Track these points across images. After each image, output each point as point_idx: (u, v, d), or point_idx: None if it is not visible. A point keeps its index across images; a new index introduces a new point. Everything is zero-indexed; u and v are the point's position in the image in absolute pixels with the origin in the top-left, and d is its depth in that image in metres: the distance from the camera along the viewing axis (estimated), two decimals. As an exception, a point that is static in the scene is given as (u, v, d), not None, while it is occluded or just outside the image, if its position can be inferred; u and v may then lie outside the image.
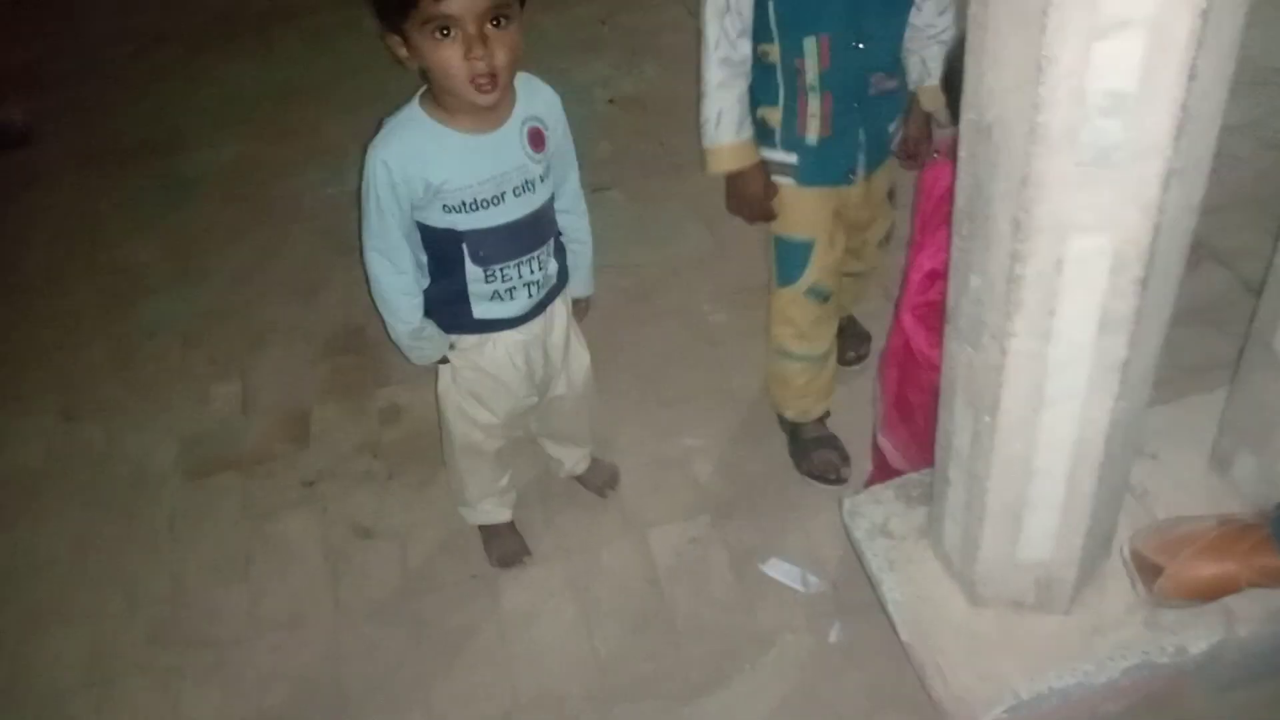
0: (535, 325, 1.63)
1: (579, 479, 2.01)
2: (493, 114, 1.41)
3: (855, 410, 2.00)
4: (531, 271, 1.55)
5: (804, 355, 1.90)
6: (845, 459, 1.98)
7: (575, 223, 1.66)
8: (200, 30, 3.86)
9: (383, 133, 1.43)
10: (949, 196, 1.18)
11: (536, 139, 1.47)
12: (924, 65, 1.68)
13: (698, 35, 1.62)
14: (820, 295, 1.83)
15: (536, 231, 1.54)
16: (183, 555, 2.02)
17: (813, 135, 1.65)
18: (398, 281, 1.51)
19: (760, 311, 2.35)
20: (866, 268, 2.02)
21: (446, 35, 1.28)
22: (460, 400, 1.69)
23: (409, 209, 1.45)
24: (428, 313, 1.56)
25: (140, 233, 2.89)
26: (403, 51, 1.34)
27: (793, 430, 2.03)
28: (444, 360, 1.64)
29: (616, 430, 2.11)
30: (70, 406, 2.40)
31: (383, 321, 1.58)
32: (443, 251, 1.52)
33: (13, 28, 4.00)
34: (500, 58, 1.31)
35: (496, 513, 1.89)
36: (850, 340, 2.19)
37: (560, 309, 1.68)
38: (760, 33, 1.60)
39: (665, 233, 2.64)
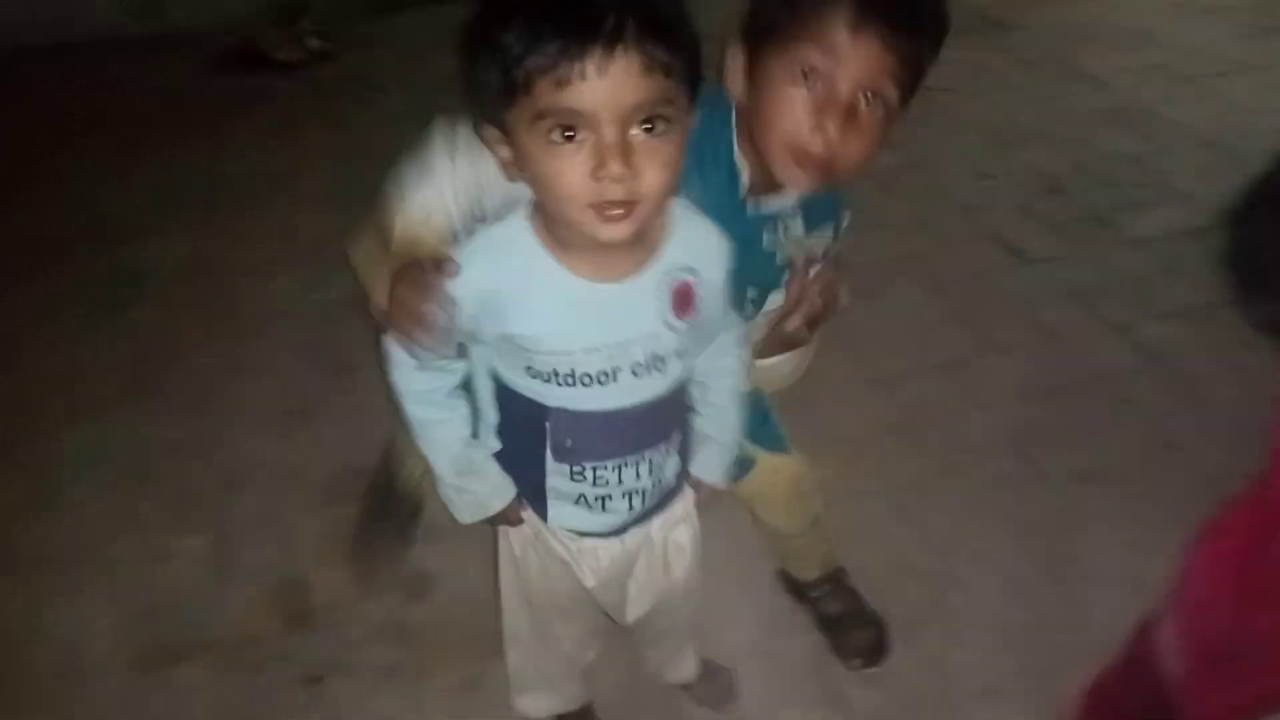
0: (633, 536, 1.17)
1: (684, 689, 1.54)
2: (626, 255, 0.96)
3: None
4: (638, 477, 1.09)
5: None
6: None
7: (720, 384, 1.16)
8: (135, 118, 3.37)
9: (467, 250, 0.98)
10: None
11: (683, 300, 1.01)
12: None
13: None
14: None
15: (655, 425, 1.08)
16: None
17: None
18: (424, 382, 1.07)
19: (878, 469, 2.01)
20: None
21: (570, 138, 0.85)
22: (528, 587, 1.24)
23: (469, 337, 1.02)
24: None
25: (72, 342, 2.34)
26: (504, 152, 0.92)
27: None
28: (505, 519, 1.16)
29: (728, 622, 1.66)
30: (-29, 564, 1.82)
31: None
32: (517, 420, 1.07)
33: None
34: (649, 180, 0.86)
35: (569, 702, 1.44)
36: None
37: (676, 510, 1.20)
38: None
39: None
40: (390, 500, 1.69)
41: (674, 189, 0.91)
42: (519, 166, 0.91)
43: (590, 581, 1.18)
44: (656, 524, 1.18)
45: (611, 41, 0.81)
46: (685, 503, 1.21)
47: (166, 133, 3.23)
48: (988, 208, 2.76)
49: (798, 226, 1.18)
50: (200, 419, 2.11)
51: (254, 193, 2.88)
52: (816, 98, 0.99)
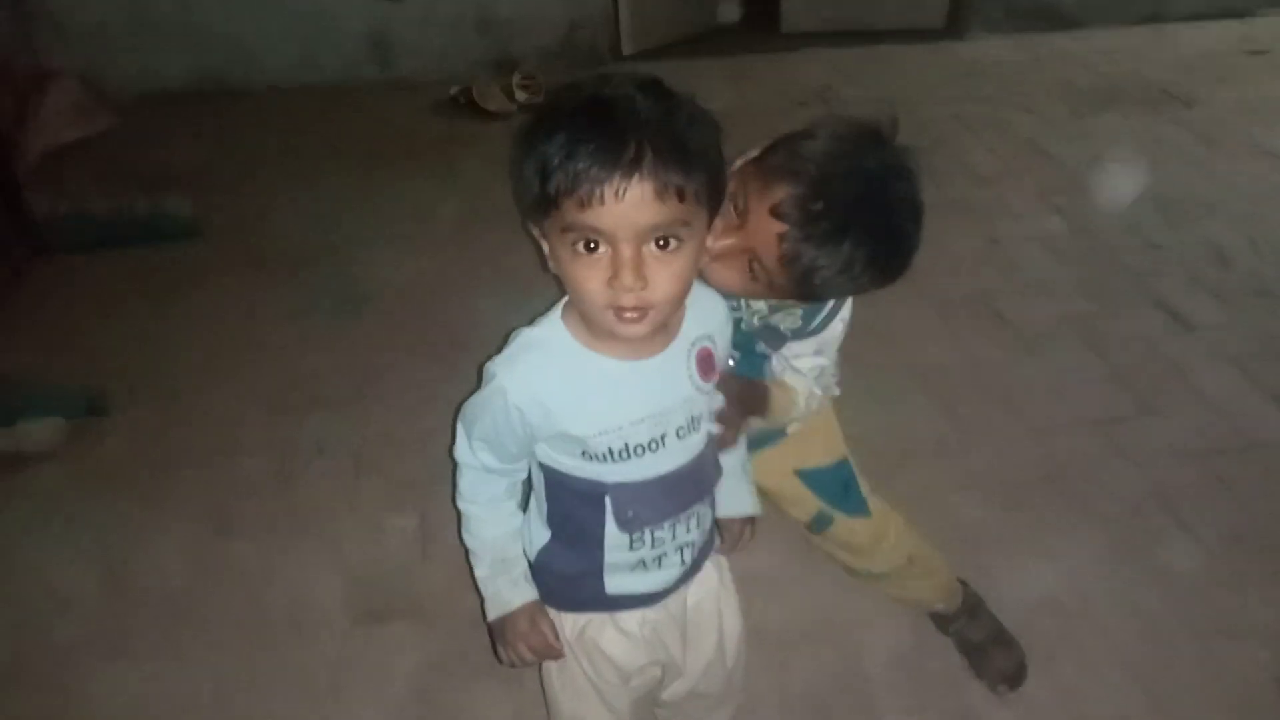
0: (675, 599, 1.25)
1: None
2: (655, 335, 1.05)
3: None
4: (688, 530, 1.18)
5: None
6: None
7: None
8: (369, 152, 3.80)
9: (509, 351, 1.09)
10: None
11: (707, 364, 1.12)
12: None
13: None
14: None
15: (699, 480, 1.18)
16: (348, 721, 1.72)
17: None
18: (488, 484, 1.18)
19: (1027, 513, 2.09)
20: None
21: (592, 250, 0.95)
22: (571, 699, 1.29)
23: (531, 439, 1.12)
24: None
25: (311, 343, 2.70)
26: (544, 245, 1.03)
27: None
28: (518, 631, 1.20)
29: (876, 634, 1.80)
30: (225, 521, 2.15)
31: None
32: (571, 503, 1.16)
33: (182, 128, 3.98)
34: (660, 290, 0.96)
35: None
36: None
37: (709, 570, 1.30)
38: None
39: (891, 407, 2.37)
40: None
41: (687, 292, 1.02)
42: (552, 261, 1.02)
43: (651, 644, 1.24)
44: (692, 589, 1.27)
45: (630, 169, 0.90)
46: (723, 573, 1.31)
47: (395, 166, 3.65)
48: (1155, 275, 2.81)
49: (760, 303, 1.33)
50: (414, 419, 2.41)
51: (471, 225, 3.22)
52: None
